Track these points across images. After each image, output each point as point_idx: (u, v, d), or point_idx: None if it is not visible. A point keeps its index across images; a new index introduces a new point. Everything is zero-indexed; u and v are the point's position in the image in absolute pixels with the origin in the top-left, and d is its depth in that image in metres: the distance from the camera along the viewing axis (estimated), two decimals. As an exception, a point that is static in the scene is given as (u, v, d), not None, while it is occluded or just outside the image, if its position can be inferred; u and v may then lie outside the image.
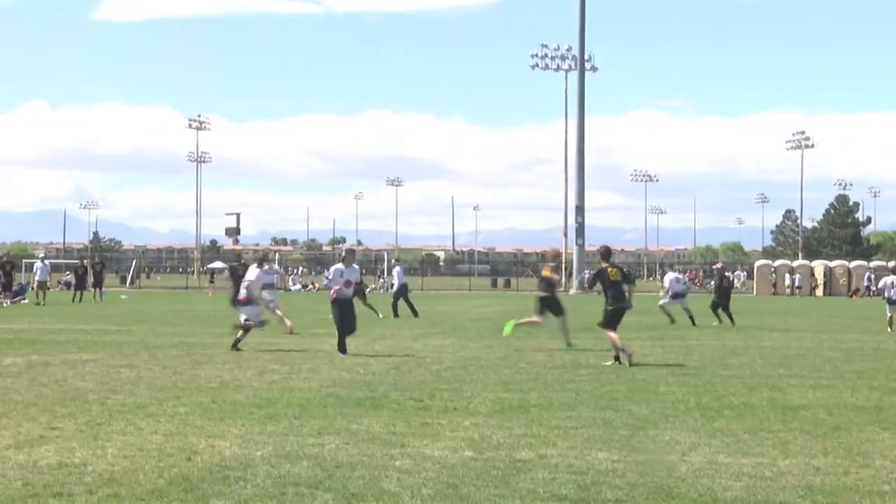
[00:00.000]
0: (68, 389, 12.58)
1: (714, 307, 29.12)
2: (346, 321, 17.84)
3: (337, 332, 17.86)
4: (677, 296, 29.23)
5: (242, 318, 18.72)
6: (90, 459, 8.23)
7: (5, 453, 8.47)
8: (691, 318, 27.99)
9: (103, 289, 46.46)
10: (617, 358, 16.27)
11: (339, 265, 18.19)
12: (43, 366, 15.32)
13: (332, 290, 17.98)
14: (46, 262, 42.08)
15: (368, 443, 9.11)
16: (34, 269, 41.86)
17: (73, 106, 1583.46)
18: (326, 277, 18.29)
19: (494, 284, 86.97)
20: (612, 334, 16.47)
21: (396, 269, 34.52)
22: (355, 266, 18.85)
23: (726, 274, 32.21)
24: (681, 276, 32.02)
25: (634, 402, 11.92)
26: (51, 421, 10.13)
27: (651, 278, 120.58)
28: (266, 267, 24.21)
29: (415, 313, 30.92)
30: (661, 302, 29.71)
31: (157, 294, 59.12)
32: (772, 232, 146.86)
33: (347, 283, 17.91)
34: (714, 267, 35.08)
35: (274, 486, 7.39)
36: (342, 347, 17.57)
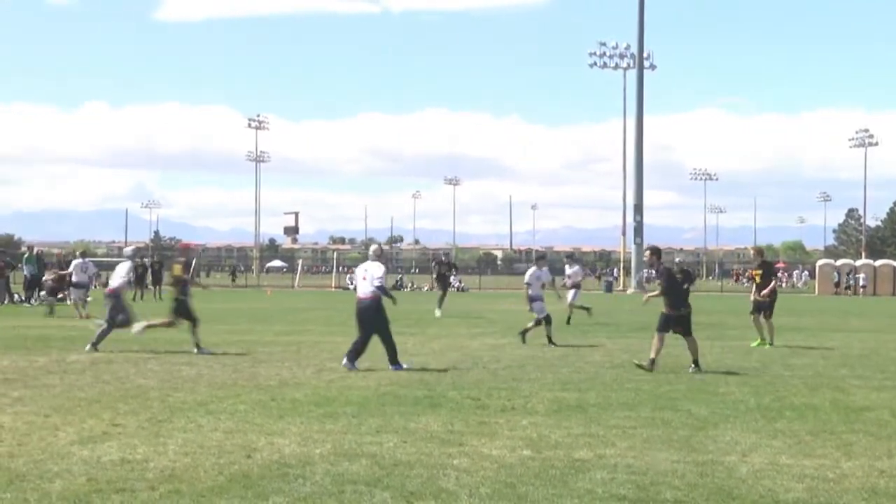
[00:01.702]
0: (130, 387, 12.75)
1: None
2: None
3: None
4: (576, 286, 28.06)
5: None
6: (152, 456, 8.33)
7: (70, 449, 8.61)
8: (569, 316, 26.86)
9: (163, 287, 46.87)
10: (653, 362, 15.28)
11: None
12: (106, 363, 15.54)
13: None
14: (84, 260, 41.87)
15: (426, 441, 9.13)
16: (71, 268, 41.21)
17: (134, 105, 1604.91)
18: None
19: (552, 283, 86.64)
20: (659, 338, 15.53)
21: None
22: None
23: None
24: (580, 269, 30.32)
25: (694, 402, 11.83)
26: (113, 417, 10.28)
27: (710, 278, 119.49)
28: (81, 261, 27.29)
29: None
30: (570, 299, 27.61)
31: (216, 292, 59.59)
32: (834, 231, 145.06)
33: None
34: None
35: (332, 483, 7.43)
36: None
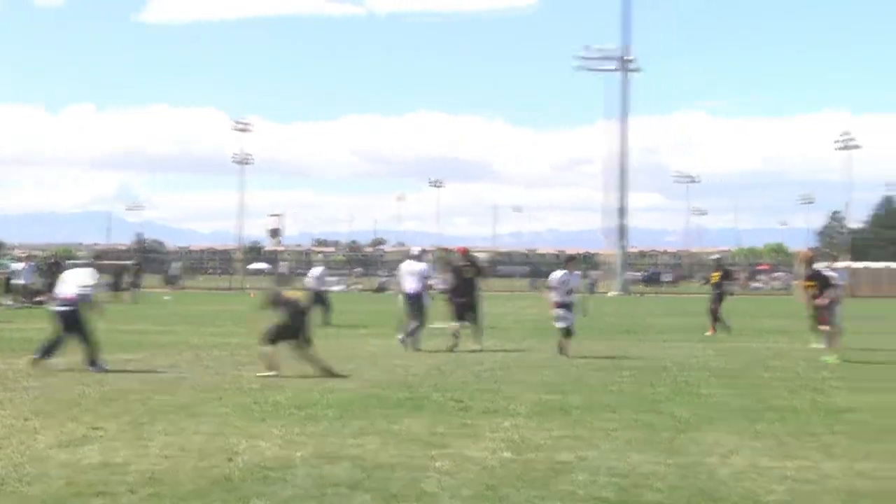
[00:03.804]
0: (111, 389, 12.69)
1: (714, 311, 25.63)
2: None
3: None
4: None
5: None
6: (133, 459, 8.30)
7: (49, 452, 8.56)
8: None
9: (140, 289, 46.69)
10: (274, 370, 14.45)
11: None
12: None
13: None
14: (31, 263, 41.01)
15: (409, 443, 9.12)
16: (18, 271, 38.89)
17: (119, 108, 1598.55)
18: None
19: (534, 286, 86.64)
20: (268, 348, 14.70)
21: (319, 271, 30.12)
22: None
23: (730, 268, 28.72)
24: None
25: (677, 404, 11.85)
26: (94, 420, 10.23)
27: (693, 280, 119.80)
28: None
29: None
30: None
31: (199, 295, 59.48)
32: (817, 234, 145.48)
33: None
34: (712, 258, 30.29)
35: (314, 486, 7.41)
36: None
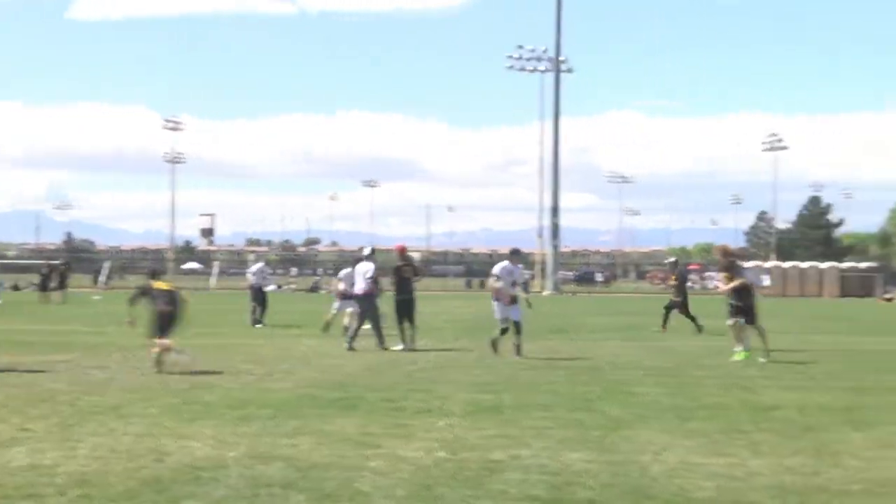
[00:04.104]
0: (40, 390, 12.49)
1: (672, 308, 26.08)
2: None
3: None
4: (344, 297, 23.22)
5: None
6: (61, 461, 8.17)
7: (-25, 455, 8.40)
8: (328, 323, 24.28)
9: (67, 290, 46.06)
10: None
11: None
12: (14, 366, 15.19)
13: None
14: None
15: (342, 443, 9.09)
16: None
17: (48, 105, 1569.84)
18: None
19: (469, 285, 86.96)
20: (165, 341, 15.08)
21: (258, 267, 28.67)
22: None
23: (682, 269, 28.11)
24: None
25: (609, 402, 11.95)
26: (22, 422, 10.06)
27: (626, 279, 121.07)
28: None
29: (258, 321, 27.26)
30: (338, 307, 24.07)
31: (120, 294, 58.67)
32: (745, 233, 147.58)
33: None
34: (668, 260, 29.95)
35: (247, 486, 7.36)
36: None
